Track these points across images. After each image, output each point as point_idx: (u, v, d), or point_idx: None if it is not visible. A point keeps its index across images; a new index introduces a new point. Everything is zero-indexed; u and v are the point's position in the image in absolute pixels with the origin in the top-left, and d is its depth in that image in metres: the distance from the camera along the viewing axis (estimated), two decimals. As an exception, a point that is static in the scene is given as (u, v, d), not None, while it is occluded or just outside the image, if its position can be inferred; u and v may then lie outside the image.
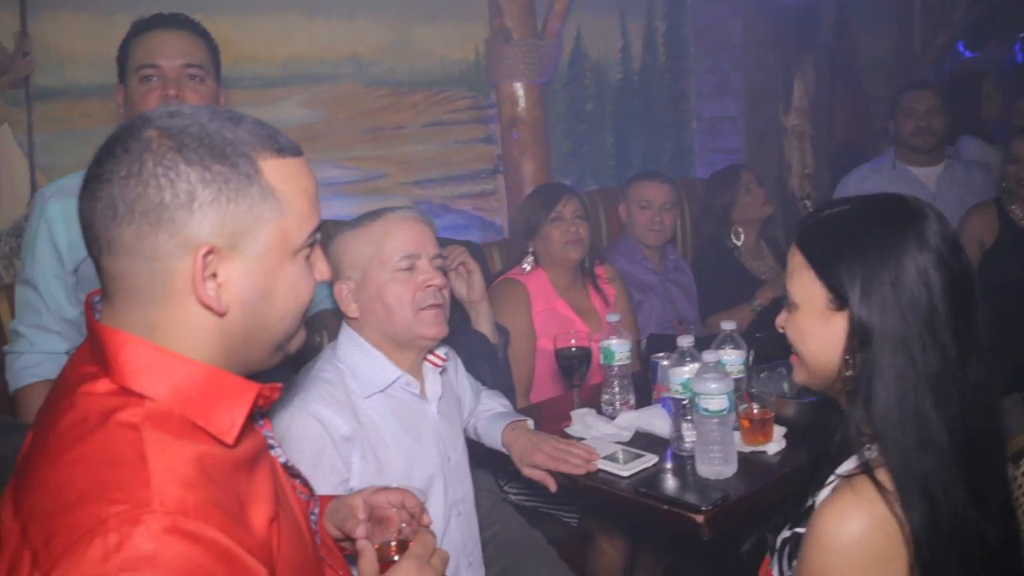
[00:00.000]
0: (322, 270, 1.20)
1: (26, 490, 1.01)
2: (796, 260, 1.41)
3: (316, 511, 1.34)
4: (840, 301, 1.33)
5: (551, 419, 2.44)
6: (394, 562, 1.28)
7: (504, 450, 2.23)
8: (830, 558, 1.25)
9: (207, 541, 0.94)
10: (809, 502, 1.38)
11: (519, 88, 3.85)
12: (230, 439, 1.07)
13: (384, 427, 1.93)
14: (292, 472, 1.30)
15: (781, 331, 1.48)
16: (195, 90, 2.16)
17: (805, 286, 1.39)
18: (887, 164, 3.83)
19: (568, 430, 2.36)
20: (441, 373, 2.10)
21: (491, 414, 2.32)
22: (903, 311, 1.27)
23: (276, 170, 1.10)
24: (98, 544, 0.90)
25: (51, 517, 0.95)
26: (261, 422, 1.23)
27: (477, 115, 3.90)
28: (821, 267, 1.36)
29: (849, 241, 1.33)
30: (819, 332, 1.38)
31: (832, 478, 1.36)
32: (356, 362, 1.95)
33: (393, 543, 1.38)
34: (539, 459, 2.13)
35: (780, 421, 2.19)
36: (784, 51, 4.91)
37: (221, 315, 1.08)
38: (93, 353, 1.09)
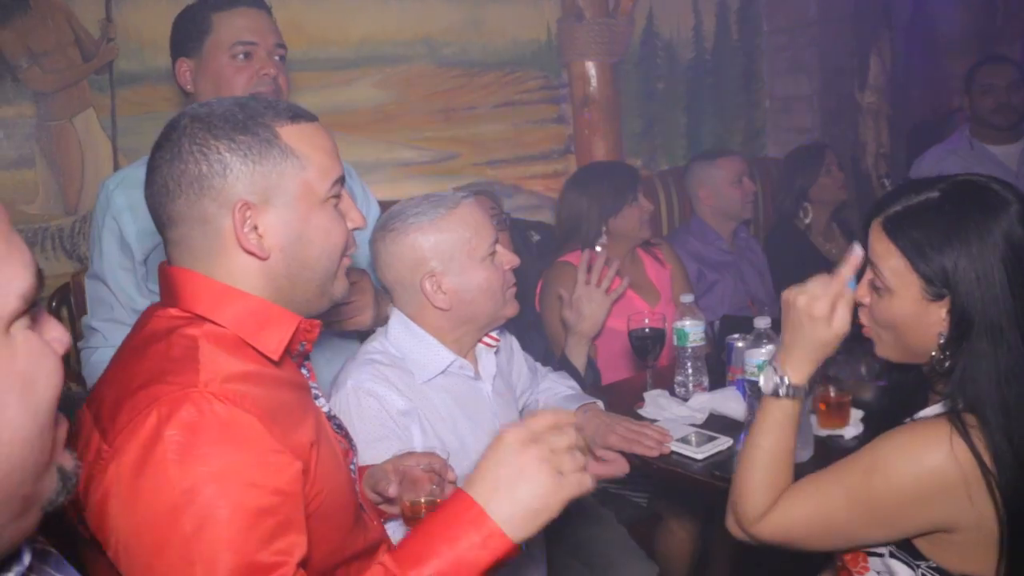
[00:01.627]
0: (355, 218, 1.39)
1: (98, 390, 1.24)
2: (885, 246, 1.43)
3: (356, 461, 1.50)
4: (937, 291, 1.37)
5: (623, 400, 2.43)
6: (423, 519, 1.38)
7: (576, 432, 2.23)
8: (902, 474, 1.35)
9: (243, 414, 1.14)
10: None
11: (591, 67, 3.85)
12: (276, 355, 1.28)
13: (442, 407, 1.93)
14: (335, 422, 1.46)
15: (863, 305, 1.52)
16: (281, 70, 2.14)
17: (897, 273, 1.42)
18: (964, 143, 3.72)
19: (641, 411, 2.36)
20: (495, 353, 2.10)
21: (561, 396, 2.31)
22: (998, 299, 1.32)
23: (292, 134, 1.29)
24: (152, 415, 1.11)
25: (117, 401, 1.16)
26: (305, 371, 1.41)
27: (548, 95, 3.90)
28: (915, 258, 1.39)
29: (940, 232, 1.37)
30: (915, 320, 1.42)
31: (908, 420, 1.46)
32: (409, 348, 1.94)
33: (423, 501, 1.45)
34: (613, 440, 2.12)
35: (857, 405, 2.17)
36: (860, 27, 4.80)
37: (264, 259, 1.27)
38: (163, 294, 1.31)
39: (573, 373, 2.61)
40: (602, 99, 3.85)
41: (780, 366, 1.52)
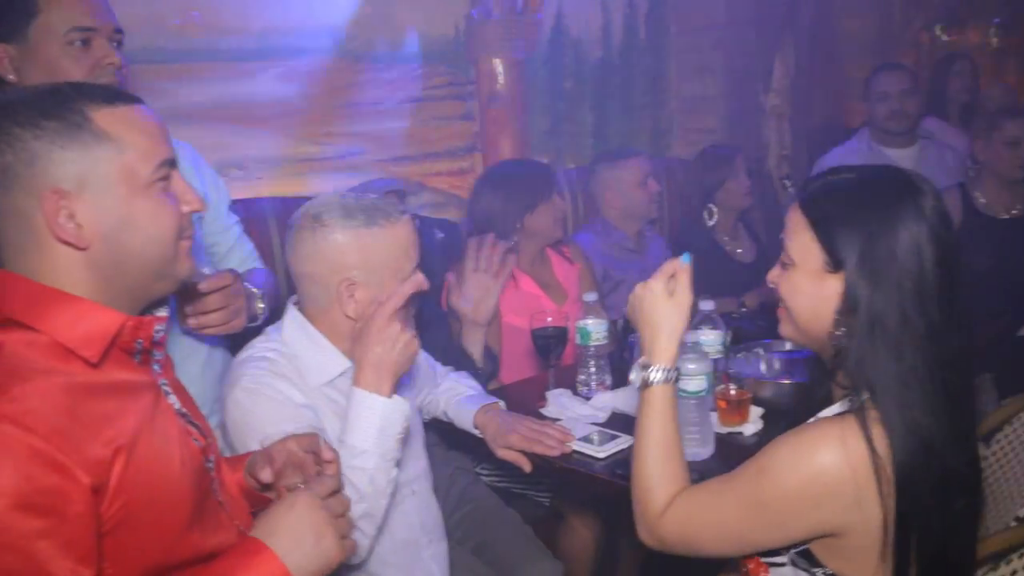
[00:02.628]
0: (191, 201, 1.35)
1: None
2: (797, 219, 1.45)
3: (212, 459, 1.46)
4: (836, 264, 1.38)
5: (525, 400, 2.42)
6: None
7: (476, 432, 2.22)
8: (790, 475, 1.34)
9: (20, 434, 1.09)
10: None
11: (498, 65, 3.82)
12: (95, 358, 1.22)
13: (332, 415, 1.85)
14: (188, 419, 1.42)
15: (772, 286, 1.53)
16: (121, 57, 1.90)
17: (804, 245, 1.43)
18: (863, 146, 3.82)
19: (543, 411, 2.35)
20: None
21: (462, 396, 2.29)
22: (897, 278, 1.32)
23: (107, 116, 1.24)
24: None
25: None
26: (157, 367, 1.37)
27: (456, 91, 3.86)
28: (821, 230, 1.40)
29: (850, 208, 1.39)
30: (813, 291, 1.42)
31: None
32: (304, 349, 1.87)
33: (301, 485, 1.42)
34: (514, 440, 2.12)
35: (757, 402, 2.19)
36: (765, 32, 4.90)
37: (84, 249, 1.23)
38: None
39: (469, 363, 2.59)
40: (509, 96, 3.83)
41: (645, 358, 1.58)
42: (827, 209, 1.41)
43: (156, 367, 1.37)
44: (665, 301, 1.57)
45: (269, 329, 1.96)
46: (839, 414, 1.39)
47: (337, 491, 1.39)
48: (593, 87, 4.42)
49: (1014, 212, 3.24)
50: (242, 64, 3.24)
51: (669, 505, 1.48)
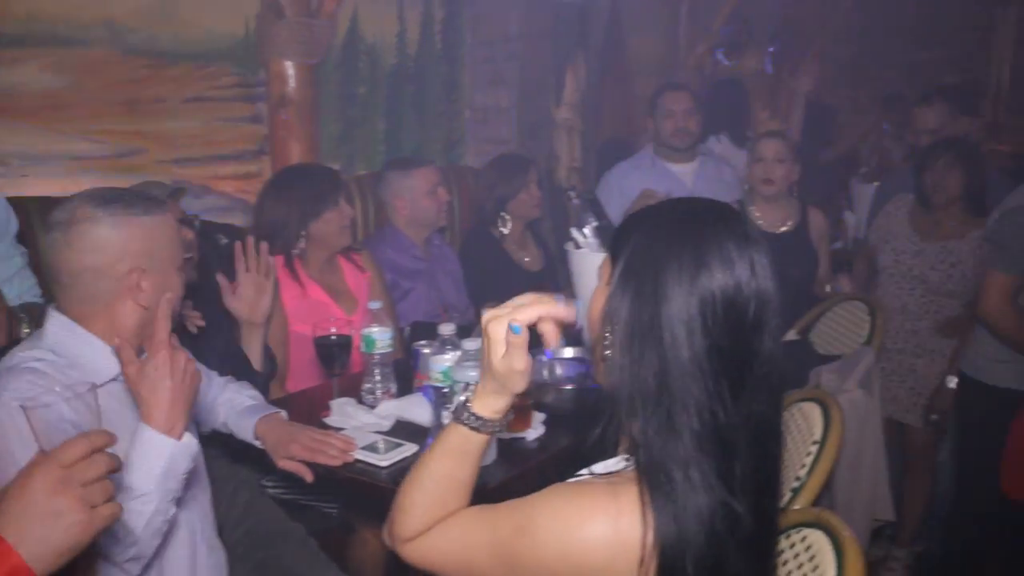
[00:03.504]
0: None
1: None
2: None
3: None
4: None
5: (309, 409, 2.38)
6: None
7: (258, 443, 2.15)
8: (551, 544, 1.21)
9: None
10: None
11: (289, 67, 3.72)
12: None
13: (116, 417, 1.75)
14: None
15: None
16: None
17: (604, 266, 1.33)
18: (647, 161, 4.00)
19: (327, 420, 2.32)
20: None
21: (243, 407, 2.22)
22: (656, 293, 1.20)
23: None
24: None
25: None
26: None
27: (244, 93, 3.73)
28: (612, 244, 1.31)
29: (637, 221, 1.29)
30: (594, 308, 1.33)
31: (584, 473, 1.32)
32: (77, 351, 1.77)
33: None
34: (295, 450, 2.08)
35: (539, 408, 2.24)
36: (558, 46, 5.04)
37: None
38: None
39: (246, 367, 2.53)
40: (300, 100, 3.74)
41: (473, 392, 1.38)
42: (621, 229, 1.32)
43: None
44: (497, 345, 1.29)
45: (28, 339, 1.85)
46: (615, 478, 1.25)
47: (88, 455, 1.21)
48: (387, 94, 4.39)
49: (784, 228, 3.48)
50: (2, 51, 3.00)
51: (419, 535, 1.38)
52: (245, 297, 2.59)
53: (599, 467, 1.31)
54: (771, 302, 1.22)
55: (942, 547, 3.56)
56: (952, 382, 3.27)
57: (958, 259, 3.33)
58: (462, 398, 1.40)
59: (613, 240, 1.30)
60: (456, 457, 1.38)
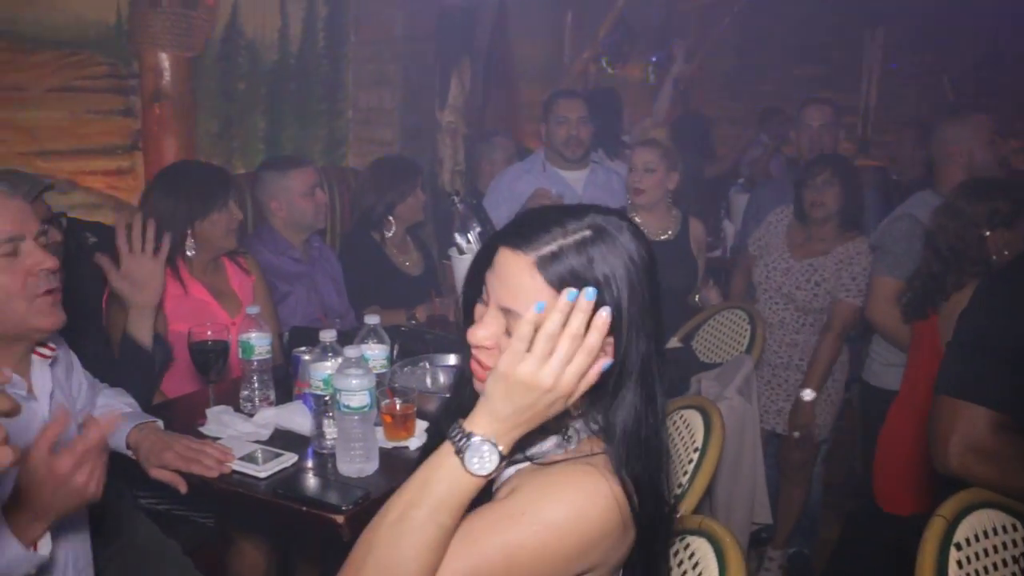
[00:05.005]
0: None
1: None
2: (532, 281, 1.26)
3: None
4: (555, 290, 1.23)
5: (185, 417, 2.29)
6: None
7: (130, 453, 2.06)
8: (571, 532, 1.22)
9: None
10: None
11: (165, 59, 3.58)
12: None
13: None
14: None
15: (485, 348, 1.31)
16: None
17: (530, 292, 1.26)
18: (538, 165, 4.01)
19: (203, 429, 2.24)
20: (51, 365, 1.88)
21: (117, 414, 2.10)
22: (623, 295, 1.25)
23: None
24: None
25: None
26: None
27: (115, 84, 3.56)
28: (540, 263, 1.25)
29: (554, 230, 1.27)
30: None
31: (520, 457, 1.31)
32: None
33: None
34: (169, 458, 2.00)
35: (422, 416, 2.22)
36: (444, 49, 5.02)
37: None
38: None
39: (136, 352, 2.43)
40: (176, 95, 3.60)
41: (491, 438, 1.19)
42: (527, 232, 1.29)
43: None
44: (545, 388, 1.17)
45: None
46: (581, 458, 1.28)
47: None
48: (268, 91, 4.29)
49: (663, 237, 3.54)
50: None
51: None
52: (133, 278, 2.46)
53: (535, 451, 1.32)
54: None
55: (811, 548, 3.71)
56: (808, 396, 3.34)
57: (822, 277, 3.39)
58: (487, 452, 1.18)
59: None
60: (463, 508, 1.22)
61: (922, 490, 2.68)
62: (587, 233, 1.26)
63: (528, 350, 1.15)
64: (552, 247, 1.24)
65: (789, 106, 7.97)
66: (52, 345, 1.89)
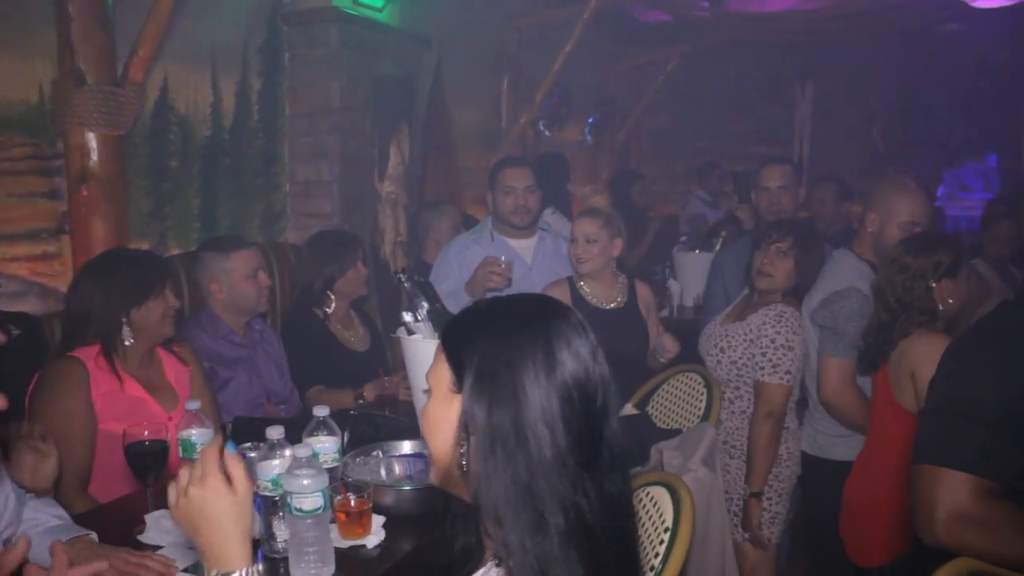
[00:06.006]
0: None
1: None
2: (436, 347, 1.30)
3: None
4: (459, 383, 1.23)
5: (122, 525, 2.14)
6: None
7: (57, 572, 1.89)
8: None
9: None
10: None
11: (92, 139, 3.43)
12: None
13: None
14: None
15: None
16: None
17: (436, 370, 1.29)
18: (486, 235, 3.94)
19: (142, 537, 2.09)
20: None
21: (44, 528, 1.97)
22: (516, 396, 1.18)
23: None
24: None
25: None
26: None
27: (39, 165, 3.42)
28: (449, 348, 1.26)
29: (476, 325, 1.27)
30: (440, 416, 1.27)
31: None
32: None
33: None
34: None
35: (378, 510, 2.10)
36: (381, 118, 4.97)
37: None
38: None
39: None
40: (104, 175, 3.45)
41: (216, 570, 1.32)
42: (456, 329, 1.29)
43: None
44: (230, 498, 1.32)
45: None
46: None
47: None
48: (201, 167, 4.18)
49: (612, 305, 3.47)
50: None
51: None
52: (22, 465, 2.22)
53: None
54: (611, 384, 1.25)
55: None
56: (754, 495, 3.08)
57: (728, 344, 3.19)
58: None
59: (451, 348, 1.27)
60: None
61: (894, 540, 2.73)
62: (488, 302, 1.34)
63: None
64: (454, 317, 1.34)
65: (725, 161, 8.17)
66: None
